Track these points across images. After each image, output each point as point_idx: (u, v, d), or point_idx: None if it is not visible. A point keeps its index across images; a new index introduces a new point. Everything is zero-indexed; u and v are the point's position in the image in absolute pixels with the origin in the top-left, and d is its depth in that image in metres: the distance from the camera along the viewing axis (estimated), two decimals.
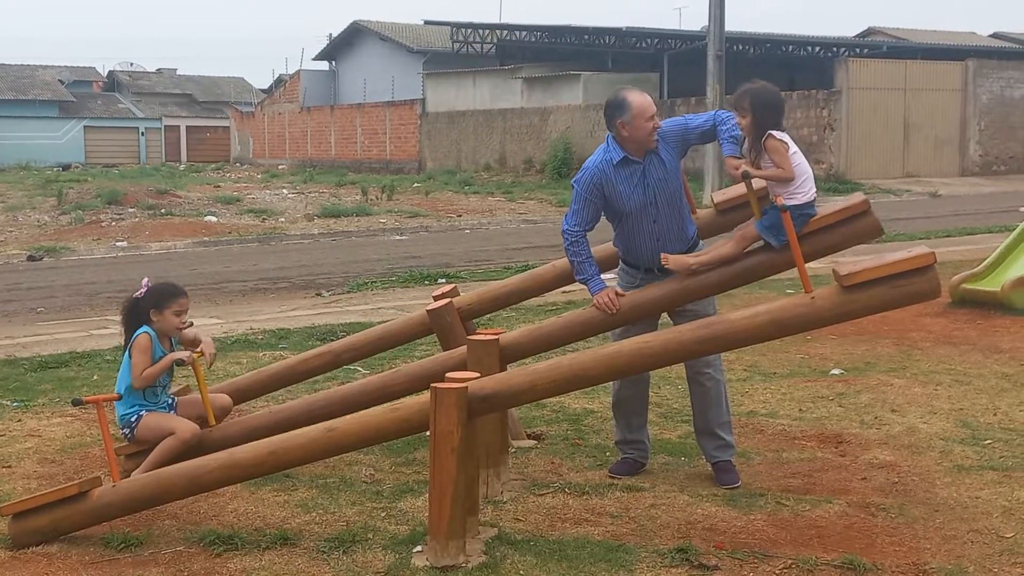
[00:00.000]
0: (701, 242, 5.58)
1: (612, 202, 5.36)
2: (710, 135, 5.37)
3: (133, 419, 5.46)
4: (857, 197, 5.03)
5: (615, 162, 5.32)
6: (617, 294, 5.32)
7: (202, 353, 5.56)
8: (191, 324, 5.72)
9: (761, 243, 5.08)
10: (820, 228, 4.97)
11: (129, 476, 5.28)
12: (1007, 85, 35.21)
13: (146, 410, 5.47)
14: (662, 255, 5.25)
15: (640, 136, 5.27)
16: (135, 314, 5.55)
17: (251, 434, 5.68)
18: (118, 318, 5.64)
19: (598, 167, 5.36)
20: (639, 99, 5.28)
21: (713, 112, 5.46)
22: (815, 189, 5.06)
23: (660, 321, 5.63)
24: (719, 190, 6.44)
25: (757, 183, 5.03)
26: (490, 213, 25.35)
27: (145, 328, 5.46)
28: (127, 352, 5.49)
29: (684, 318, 5.30)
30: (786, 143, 4.99)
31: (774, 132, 4.99)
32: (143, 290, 5.55)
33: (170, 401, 5.64)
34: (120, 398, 5.46)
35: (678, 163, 5.42)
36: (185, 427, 5.42)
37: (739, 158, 5.08)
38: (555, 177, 34.96)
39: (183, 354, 5.50)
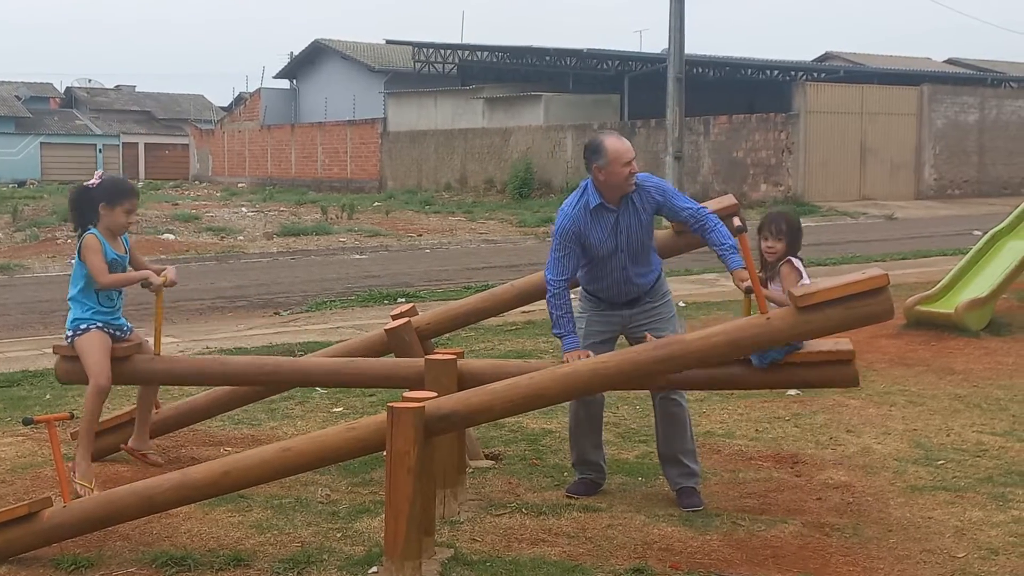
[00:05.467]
0: (664, 276, 5.63)
1: (585, 247, 5.40)
2: (684, 223, 5.39)
3: (82, 327, 5.48)
4: (845, 344, 5.13)
5: (591, 207, 5.34)
6: (588, 357, 5.30)
7: (166, 279, 5.56)
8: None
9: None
10: (803, 363, 5.09)
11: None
12: (961, 110, 35.75)
13: (99, 323, 5.47)
14: (647, 334, 5.32)
15: (616, 181, 5.28)
16: (83, 203, 5.57)
17: (198, 375, 5.71)
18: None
19: (575, 214, 5.37)
20: (616, 144, 5.28)
21: (697, 205, 5.44)
22: None
23: (618, 343, 5.65)
24: None
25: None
26: (450, 233, 25.33)
27: (92, 229, 5.43)
28: (78, 253, 5.48)
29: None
30: (801, 272, 5.11)
31: (792, 259, 5.12)
32: (96, 180, 5.51)
33: (128, 325, 5.65)
34: (70, 417, 5.41)
35: (652, 218, 5.44)
36: (100, 373, 5.42)
37: (744, 270, 5.09)
38: (516, 197, 35.04)
39: (148, 274, 5.51)
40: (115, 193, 5.51)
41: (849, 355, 5.07)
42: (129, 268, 5.80)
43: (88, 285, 5.61)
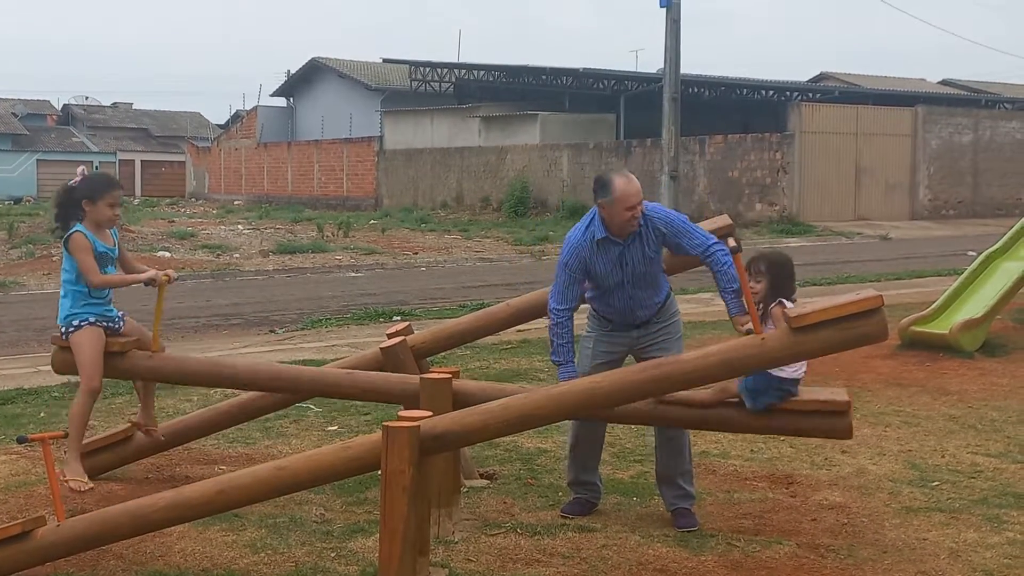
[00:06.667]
0: (673, 297, 5.65)
1: (591, 276, 5.43)
2: (693, 261, 5.43)
3: (75, 323, 5.46)
4: (841, 394, 5.15)
5: (597, 239, 5.35)
6: None
7: (169, 277, 5.56)
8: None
9: (738, 400, 5.15)
10: (797, 410, 5.09)
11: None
12: (955, 131, 35.88)
13: (92, 317, 5.45)
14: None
15: (617, 222, 5.27)
16: (67, 203, 5.57)
17: (193, 375, 5.69)
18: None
19: (580, 245, 5.38)
20: (624, 186, 5.21)
21: (707, 239, 5.34)
22: (805, 369, 5.12)
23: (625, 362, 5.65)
24: None
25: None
26: (446, 251, 25.35)
27: (78, 227, 5.42)
28: (65, 251, 5.48)
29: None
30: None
31: (785, 301, 5.07)
32: (78, 179, 5.52)
33: (119, 314, 5.63)
34: (65, 435, 5.39)
35: (659, 250, 5.39)
36: (93, 375, 5.41)
37: (744, 315, 5.08)
38: (512, 216, 35.09)
39: (154, 273, 5.50)
40: (97, 187, 5.54)
41: (844, 406, 5.10)
42: (118, 265, 5.78)
43: (78, 279, 5.60)
